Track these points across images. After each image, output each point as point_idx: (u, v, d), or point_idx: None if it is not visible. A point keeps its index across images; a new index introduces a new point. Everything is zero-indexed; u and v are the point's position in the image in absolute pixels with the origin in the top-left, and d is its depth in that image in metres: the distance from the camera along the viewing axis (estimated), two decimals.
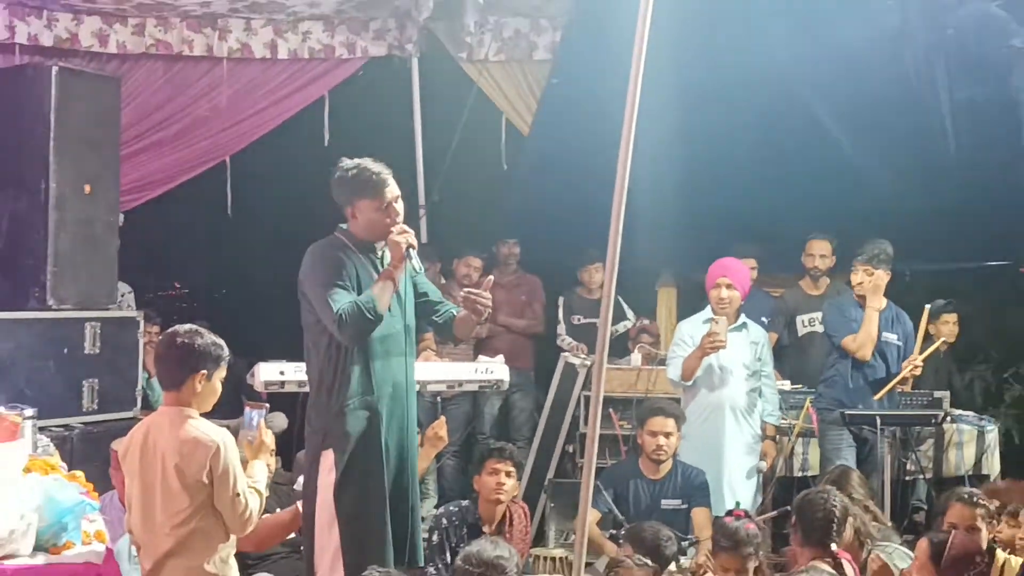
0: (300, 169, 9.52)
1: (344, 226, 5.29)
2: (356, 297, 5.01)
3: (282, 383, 6.74)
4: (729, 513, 6.08)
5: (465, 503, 6.61)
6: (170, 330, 4.74)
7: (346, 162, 5.26)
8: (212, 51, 8.88)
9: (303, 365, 6.96)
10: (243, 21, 8.89)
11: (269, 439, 5.02)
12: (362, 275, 5.14)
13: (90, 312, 7.21)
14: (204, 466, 4.42)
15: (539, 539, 7.66)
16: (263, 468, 4.84)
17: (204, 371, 4.55)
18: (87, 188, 7.26)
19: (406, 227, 5.16)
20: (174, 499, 4.45)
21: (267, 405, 5.37)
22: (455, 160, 9.65)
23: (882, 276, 7.73)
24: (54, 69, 7.19)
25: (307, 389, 6.95)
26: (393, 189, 5.19)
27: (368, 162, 5.21)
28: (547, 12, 9.06)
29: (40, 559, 4.32)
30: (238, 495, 4.49)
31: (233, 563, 4.72)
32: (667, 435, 6.87)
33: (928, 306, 7.90)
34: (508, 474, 6.54)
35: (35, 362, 6.86)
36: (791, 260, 8.85)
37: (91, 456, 6.37)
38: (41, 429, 5.96)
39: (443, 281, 9.05)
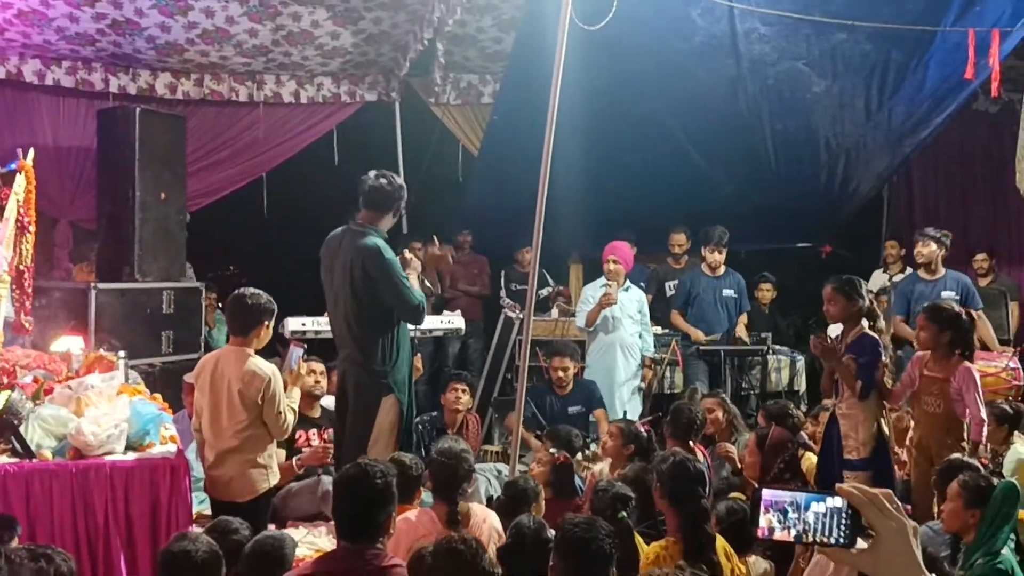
0: (316, 182, 9.51)
1: (371, 227, 5.01)
2: (420, 294, 5.05)
3: (304, 332, 6.75)
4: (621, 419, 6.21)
5: (434, 414, 6.65)
6: (237, 292, 4.79)
7: (395, 178, 5.09)
8: (252, 98, 8.83)
9: (320, 319, 6.96)
10: (275, 76, 8.83)
11: (304, 370, 5.13)
12: None
13: (166, 283, 7.20)
14: (259, 391, 4.60)
15: (488, 439, 7.71)
16: (297, 392, 4.97)
17: (266, 322, 4.69)
18: (163, 195, 7.22)
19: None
20: (236, 413, 4.61)
21: (305, 345, 5.31)
22: (426, 174, 9.65)
23: (723, 255, 7.89)
24: (137, 110, 7.16)
25: (323, 337, 6.97)
26: None
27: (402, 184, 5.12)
28: (491, 70, 9.08)
29: (131, 456, 4.34)
30: (279, 412, 4.66)
31: (275, 458, 4.85)
32: (564, 369, 6.96)
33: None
34: (463, 391, 6.61)
35: (128, 318, 6.84)
36: (661, 243, 8.94)
37: (168, 385, 6.37)
38: (132, 366, 5.94)
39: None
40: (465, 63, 8.99)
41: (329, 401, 6.13)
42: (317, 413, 5.89)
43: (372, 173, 5.12)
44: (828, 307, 5.30)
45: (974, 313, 7.13)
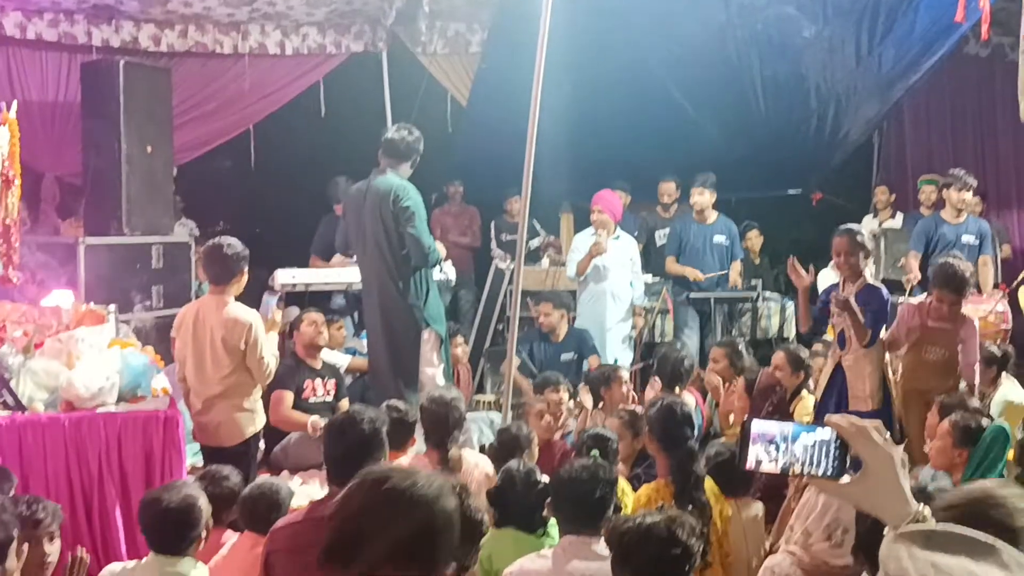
0: (303, 133, 9.43)
1: (393, 171, 5.51)
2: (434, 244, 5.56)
3: (294, 284, 6.74)
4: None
5: None
6: (214, 242, 4.88)
7: (413, 130, 5.65)
8: (237, 49, 8.69)
9: (310, 271, 6.99)
10: (259, 26, 8.70)
11: (279, 318, 5.22)
12: None
13: (155, 237, 7.13)
14: (242, 337, 4.67)
15: (480, 389, 7.75)
16: (274, 337, 5.07)
17: (244, 269, 4.82)
18: (149, 149, 7.13)
19: None
20: (220, 360, 4.70)
21: (280, 292, 5.63)
22: (415, 125, 9.51)
23: (709, 196, 7.84)
24: (121, 63, 7.03)
25: (313, 290, 6.97)
26: None
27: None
28: (478, 18, 8.94)
29: (122, 407, 4.36)
30: (262, 357, 4.73)
31: (260, 404, 4.95)
32: (546, 315, 6.98)
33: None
34: (460, 346, 6.68)
35: (118, 272, 6.80)
36: (653, 192, 8.91)
37: (159, 337, 6.35)
38: (123, 320, 5.93)
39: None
40: (452, 11, 8.87)
41: (329, 354, 6.15)
42: (319, 364, 5.91)
43: (393, 126, 5.79)
44: (845, 258, 5.24)
45: (983, 259, 7.21)
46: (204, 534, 3.30)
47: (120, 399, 4.38)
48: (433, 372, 5.58)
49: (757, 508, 4.17)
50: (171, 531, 3.25)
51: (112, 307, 5.30)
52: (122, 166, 6.93)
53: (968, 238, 7.23)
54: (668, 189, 8.69)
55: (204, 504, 3.31)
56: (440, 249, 5.69)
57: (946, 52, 7.57)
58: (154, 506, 3.28)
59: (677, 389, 5.57)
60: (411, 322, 5.53)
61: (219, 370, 4.71)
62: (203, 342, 4.74)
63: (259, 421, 4.90)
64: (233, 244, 4.82)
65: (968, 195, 7.34)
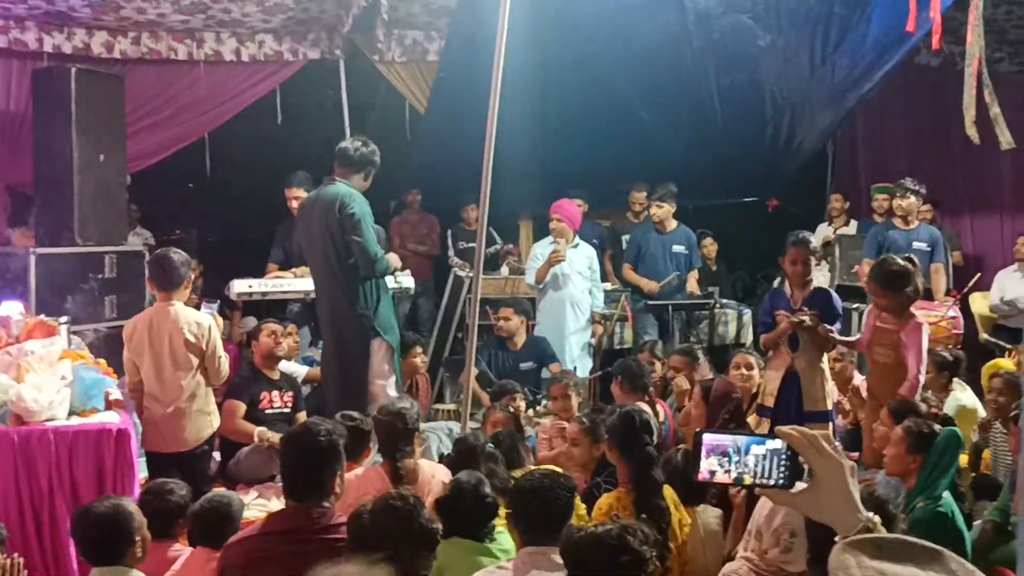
0: (259, 141, 9.37)
1: (343, 180, 5.47)
2: (382, 253, 5.48)
3: (250, 294, 6.68)
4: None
5: None
6: (161, 252, 5.12)
7: (369, 143, 5.64)
8: (192, 56, 8.61)
9: (267, 280, 6.94)
10: (214, 33, 8.62)
11: (220, 323, 5.37)
12: None
13: (108, 247, 7.01)
14: (205, 337, 4.91)
15: (439, 398, 7.73)
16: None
17: (190, 277, 5.02)
18: (101, 157, 7.04)
19: None
20: (182, 364, 4.90)
21: (218, 301, 5.71)
22: (372, 133, 9.48)
23: (668, 208, 7.92)
24: (73, 70, 6.93)
25: (270, 299, 6.93)
26: None
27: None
28: (436, 26, 8.94)
29: (74, 421, 4.29)
30: (219, 357, 5.00)
31: (215, 405, 5.18)
32: (506, 319, 6.99)
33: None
34: (419, 356, 6.63)
35: (70, 283, 6.69)
36: (612, 198, 8.96)
37: (112, 349, 6.25)
38: (75, 332, 5.84)
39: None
40: (410, 19, 8.85)
41: (287, 364, 6.12)
42: (277, 375, 5.87)
43: (350, 138, 5.79)
44: (797, 267, 5.33)
45: (935, 266, 7.33)
46: (140, 542, 3.26)
47: (71, 413, 4.31)
48: (384, 383, 5.49)
49: (715, 515, 4.20)
50: (103, 540, 3.22)
51: (64, 318, 5.21)
52: (74, 174, 6.83)
53: (920, 245, 7.36)
54: (639, 198, 8.78)
55: (135, 511, 3.29)
56: (393, 260, 5.63)
57: (898, 62, 7.68)
58: (84, 517, 3.27)
59: (645, 397, 5.58)
60: (360, 332, 5.46)
61: (181, 375, 4.86)
62: (161, 349, 4.85)
63: (216, 422, 5.09)
64: (179, 252, 5.02)
65: (909, 200, 7.44)
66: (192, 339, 4.85)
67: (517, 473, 4.29)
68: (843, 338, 5.45)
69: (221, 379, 5.05)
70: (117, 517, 3.24)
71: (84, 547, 3.29)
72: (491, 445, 4.52)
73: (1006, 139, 5.54)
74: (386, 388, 5.48)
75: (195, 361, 4.88)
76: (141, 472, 4.72)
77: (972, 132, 5.58)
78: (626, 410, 4.13)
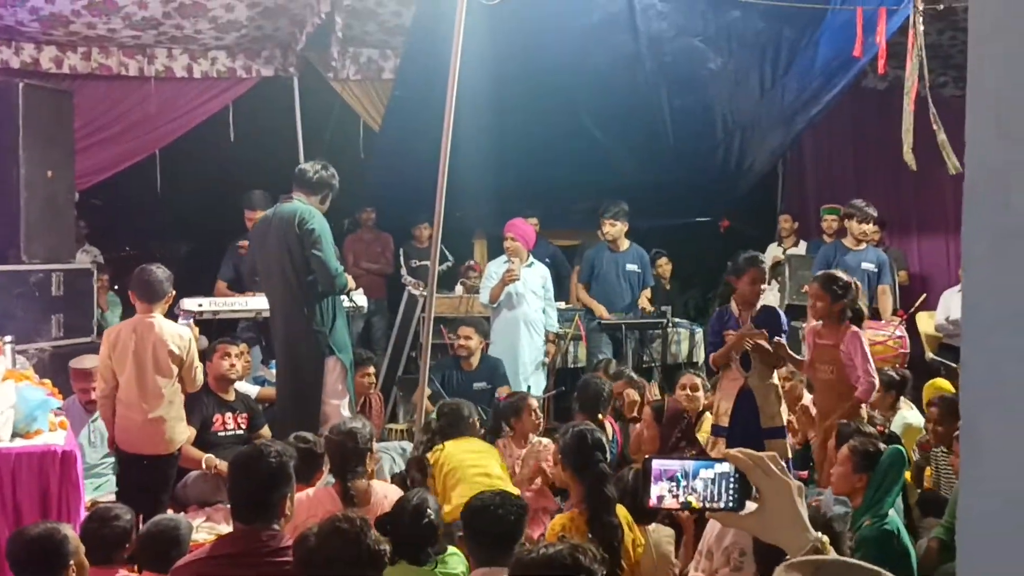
0: (211, 159, 9.29)
1: (303, 198, 5.47)
2: (341, 269, 5.48)
3: (200, 312, 6.61)
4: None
5: None
6: (144, 267, 5.27)
7: (329, 166, 5.65)
8: (143, 72, 8.52)
9: (217, 299, 6.88)
10: (166, 50, 8.55)
11: (196, 333, 5.49)
12: None
13: (55, 265, 6.90)
14: (186, 348, 5.15)
15: (393, 418, 7.68)
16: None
17: (171, 292, 5.26)
18: (49, 173, 6.93)
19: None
20: (165, 371, 5.10)
21: (195, 315, 6.04)
22: (326, 151, 9.47)
23: (621, 227, 7.98)
24: (20, 85, 6.83)
25: (220, 318, 6.85)
26: None
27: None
28: (391, 44, 8.94)
29: (17, 443, 4.20)
30: (197, 367, 5.25)
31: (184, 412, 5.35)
32: (467, 337, 6.97)
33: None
34: (369, 375, 6.59)
35: (16, 301, 6.56)
36: (566, 218, 9.00)
37: (58, 370, 6.14)
38: (20, 351, 5.72)
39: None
40: (365, 37, 8.85)
41: (244, 386, 6.06)
42: (232, 396, 5.79)
43: (310, 162, 5.76)
44: (756, 287, 5.44)
45: (882, 287, 7.45)
46: (74, 567, 3.20)
47: (15, 434, 4.22)
48: (338, 403, 5.45)
49: (667, 534, 4.21)
50: (36, 564, 3.16)
51: (8, 338, 5.11)
52: (21, 191, 6.71)
53: (868, 266, 7.50)
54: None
55: (71, 535, 3.24)
56: (350, 280, 5.64)
57: (846, 85, 7.83)
58: (17, 540, 3.22)
59: (601, 416, 5.60)
60: (315, 350, 5.43)
61: (162, 382, 5.08)
62: (144, 358, 5.05)
63: (185, 431, 5.28)
64: (162, 268, 5.26)
65: (869, 226, 7.60)
66: (176, 350, 5.10)
67: (467, 441, 4.42)
68: (792, 354, 5.51)
69: (196, 387, 5.31)
70: (50, 541, 3.19)
71: (17, 570, 3.22)
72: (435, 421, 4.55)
73: (953, 164, 5.66)
74: (340, 408, 5.44)
75: (175, 371, 5.13)
76: (87, 494, 4.63)
77: (909, 159, 5.71)
78: (578, 429, 4.13)
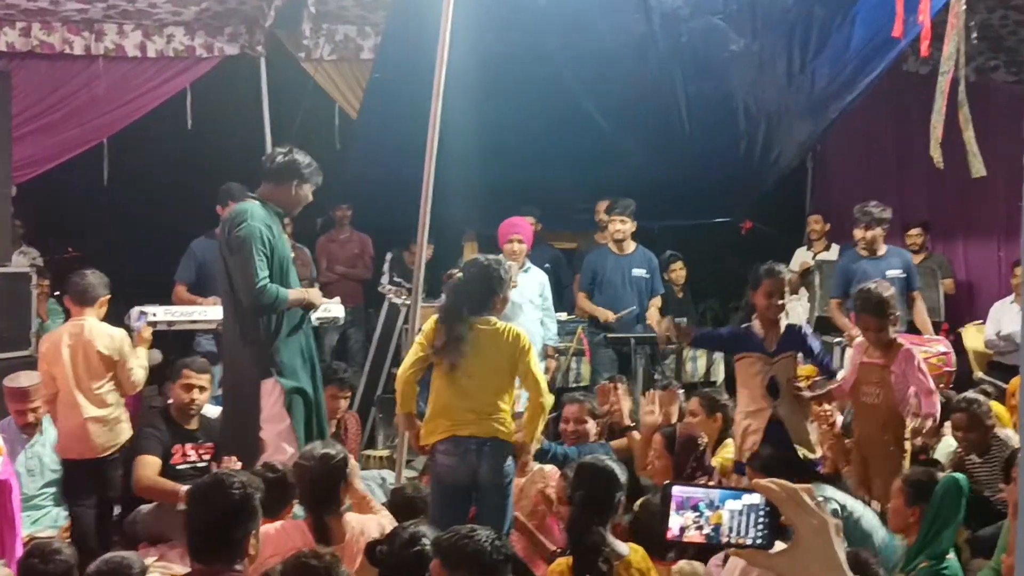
0: (166, 148, 9.28)
1: (255, 197, 5.29)
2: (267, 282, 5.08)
3: (155, 323, 6.57)
4: None
5: None
6: (82, 271, 6.01)
7: (299, 152, 5.43)
8: (90, 51, 8.53)
9: (173, 308, 6.85)
10: (116, 25, 8.56)
11: (147, 333, 6.19)
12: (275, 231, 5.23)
13: None
14: (119, 350, 5.79)
15: (371, 442, 7.67)
16: (144, 352, 6.09)
17: (107, 295, 5.94)
18: None
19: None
20: (96, 372, 5.77)
21: (146, 313, 6.29)
22: (296, 140, 9.46)
23: (630, 225, 7.97)
24: None
25: (175, 328, 6.83)
26: None
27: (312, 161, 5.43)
28: (371, 20, 8.96)
29: None
30: (131, 369, 5.85)
31: (126, 414, 6.00)
32: None
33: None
34: (344, 398, 6.55)
35: None
36: (566, 217, 8.98)
37: None
38: None
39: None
40: (341, 13, 8.87)
41: (206, 408, 6.01)
42: (194, 425, 5.75)
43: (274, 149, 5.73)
44: (773, 300, 5.36)
45: (914, 293, 7.40)
46: None
47: None
48: (276, 430, 5.14)
49: (697, 569, 4.19)
50: None
51: None
52: None
53: (894, 272, 7.26)
54: (603, 208, 8.69)
55: (5, 572, 3.23)
56: (312, 296, 5.39)
57: (884, 69, 7.83)
58: None
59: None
60: (251, 369, 5.18)
61: (97, 384, 5.76)
62: (77, 360, 5.73)
63: (127, 431, 5.88)
64: (97, 272, 5.93)
65: (875, 232, 7.48)
66: (105, 351, 5.74)
67: None
68: (819, 391, 5.48)
69: (135, 388, 5.95)
70: None
71: None
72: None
73: (977, 167, 5.64)
74: (277, 436, 5.16)
75: (108, 371, 5.78)
76: (24, 529, 4.61)
77: (936, 154, 5.69)
78: (592, 464, 4.13)
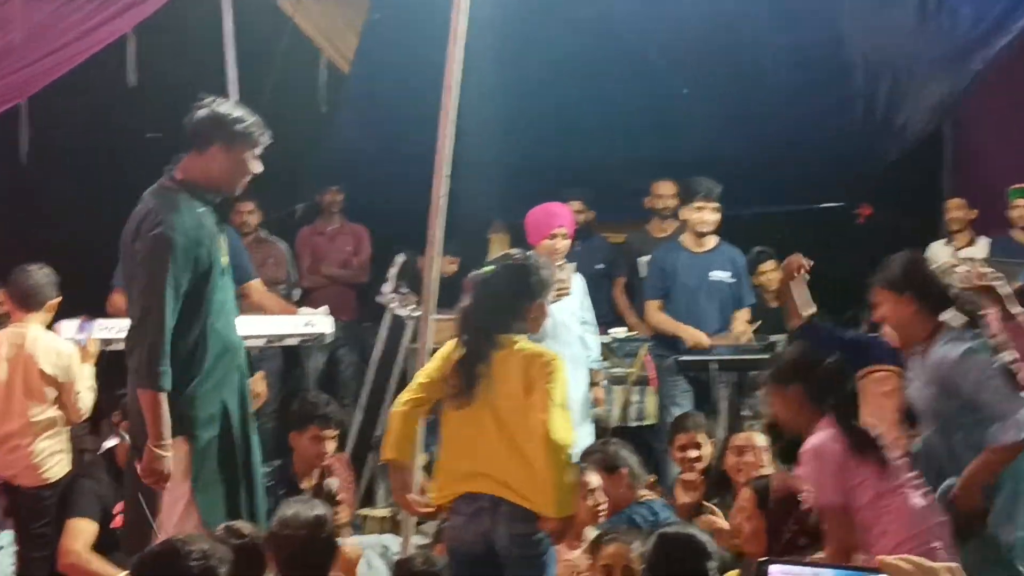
0: (102, 111, 9.33)
1: (183, 176, 4.86)
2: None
3: (80, 340, 6.61)
4: None
5: (278, 463, 6.44)
6: (23, 267, 6.12)
7: (231, 106, 5.02)
8: None
9: (109, 321, 6.87)
10: None
11: (94, 348, 6.17)
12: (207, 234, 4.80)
13: None
14: (65, 368, 5.91)
15: (368, 499, 7.68)
16: (90, 369, 6.14)
17: (56, 297, 6.09)
18: None
19: None
20: (36, 393, 5.91)
21: (97, 320, 6.40)
22: (270, 102, 9.51)
23: (715, 213, 7.89)
24: None
25: (113, 348, 6.87)
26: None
27: (249, 113, 4.92)
28: None
29: None
30: (79, 392, 5.98)
31: (69, 445, 6.22)
32: None
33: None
34: (330, 439, 6.51)
35: None
36: (620, 204, 8.97)
37: None
38: None
39: (262, 234, 8.99)
40: None
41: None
42: None
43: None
44: (881, 315, 5.31)
45: None
46: None
47: None
48: (175, 497, 4.72)
49: None
50: None
51: None
52: None
53: None
54: (667, 188, 8.62)
55: None
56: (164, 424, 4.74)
57: None
58: None
59: None
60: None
61: (33, 404, 5.92)
62: (14, 375, 5.88)
63: (66, 464, 6.07)
64: (45, 269, 6.08)
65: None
66: (50, 371, 5.89)
67: None
68: None
69: (81, 416, 6.14)
70: None
71: None
72: None
73: None
74: (173, 505, 4.75)
75: (51, 394, 5.94)
76: None
77: None
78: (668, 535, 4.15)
